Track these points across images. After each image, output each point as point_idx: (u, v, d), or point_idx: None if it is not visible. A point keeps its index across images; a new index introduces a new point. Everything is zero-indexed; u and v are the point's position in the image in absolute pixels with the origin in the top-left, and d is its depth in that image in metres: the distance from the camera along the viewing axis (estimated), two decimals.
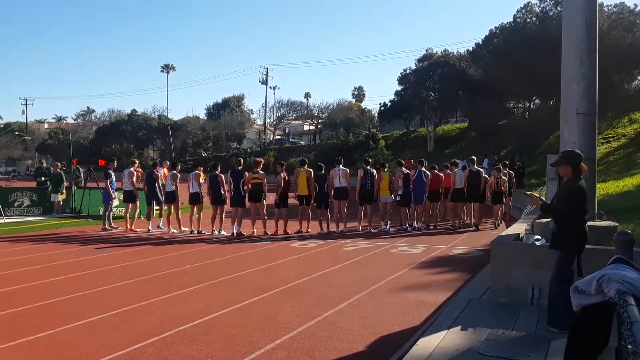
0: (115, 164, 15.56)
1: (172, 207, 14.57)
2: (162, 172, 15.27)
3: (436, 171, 15.06)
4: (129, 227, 14.53)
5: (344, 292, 7.40)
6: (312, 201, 14.03)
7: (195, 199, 14.18)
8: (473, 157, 15.30)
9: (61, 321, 6.00)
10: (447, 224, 15.27)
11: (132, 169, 14.79)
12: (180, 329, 5.75)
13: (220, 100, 72.94)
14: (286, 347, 5.20)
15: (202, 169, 14.86)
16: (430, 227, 14.68)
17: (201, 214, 14.20)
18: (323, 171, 14.09)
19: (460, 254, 10.86)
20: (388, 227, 14.33)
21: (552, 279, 5.45)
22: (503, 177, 14.84)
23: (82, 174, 19.18)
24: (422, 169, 14.55)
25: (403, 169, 14.68)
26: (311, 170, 14.17)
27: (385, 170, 14.56)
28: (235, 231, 13.45)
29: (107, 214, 14.87)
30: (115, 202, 15.84)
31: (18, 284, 7.96)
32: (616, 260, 3.29)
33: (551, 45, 19.69)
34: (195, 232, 13.95)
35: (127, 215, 14.74)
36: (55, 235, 13.74)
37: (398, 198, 14.49)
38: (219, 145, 66.40)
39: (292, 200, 14.34)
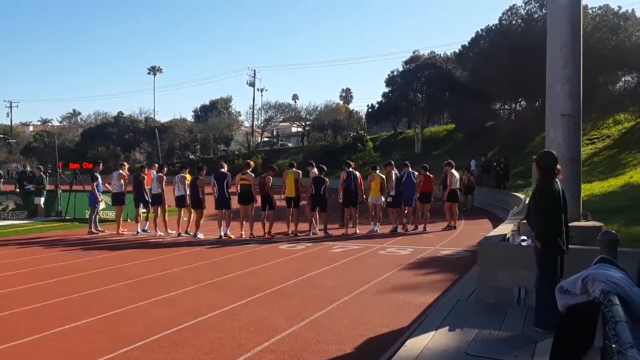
0: (101, 166, 15.44)
1: (159, 209, 14.50)
2: (153, 174, 15.19)
3: (428, 172, 14.89)
4: (119, 230, 14.47)
5: (332, 294, 7.40)
6: (300, 203, 14.00)
7: (181, 201, 14.13)
8: (407, 162, 15.32)
9: (47, 325, 5.94)
10: (433, 225, 15.30)
11: (120, 171, 14.71)
12: (167, 332, 5.71)
13: (207, 103, 72.64)
14: (274, 350, 5.19)
15: (187, 171, 14.74)
16: (420, 229, 14.59)
17: (192, 216, 14.18)
18: (323, 174, 14.08)
19: (448, 254, 10.91)
20: (377, 228, 14.27)
21: (536, 279, 5.51)
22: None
23: (45, 180, 19.05)
24: (409, 170, 14.49)
25: (396, 171, 14.55)
26: (300, 171, 14.11)
27: (377, 171, 14.44)
28: (222, 234, 13.38)
29: (93, 217, 14.76)
30: (102, 205, 15.72)
31: (3, 288, 7.86)
32: (601, 260, 3.33)
33: (536, 47, 19.81)
34: (183, 234, 13.89)
35: (121, 218, 14.72)
36: (41, 239, 13.60)
37: (390, 199, 14.34)
38: (207, 147, 66.19)
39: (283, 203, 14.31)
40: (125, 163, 15.81)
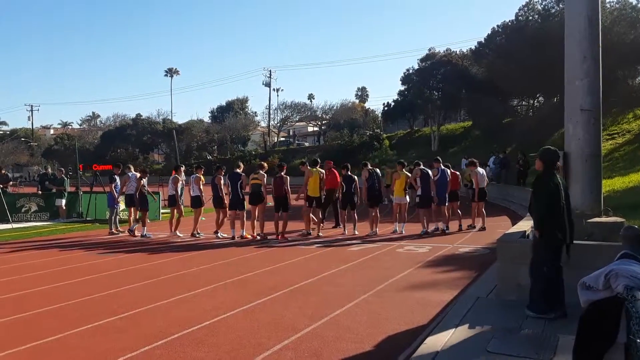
0: (120, 169, 15.55)
1: (175, 211, 14.44)
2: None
3: (451, 169, 14.45)
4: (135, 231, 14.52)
5: (350, 292, 7.40)
6: (322, 202, 13.77)
7: (196, 202, 14.15)
8: (438, 157, 14.79)
9: (69, 325, 6.03)
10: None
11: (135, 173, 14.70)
12: (187, 331, 5.76)
13: (224, 103, 73.10)
14: (294, 348, 5.21)
15: (202, 172, 14.75)
16: (440, 227, 13.90)
17: (198, 216, 14.22)
18: (349, 172, 13.88)
19: (467, 252, 10.84)
20: (403, 229, 13.70)
21: (532, 267, 5.75)
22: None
23: (66, 182, 19.31)
24: (442, 167, 13.83)
25: (421, 167, 13.89)
26: (323, 171, 13.80)
27: (403, 170, 13.81)
28: (234, 234, 13.27)
29: (112, 218, 14.92)
30: (122, 206, 15.86)
31: (26, 289, 8.00)
32: (623, 256, 3.29)
33: (554, 42, 19.61)
34: (197, 234, 13.90)
35: (131, 218, 14.75)
36: (62, 240, 13.80)
37: (417, 200, 13.72)
38: (224, 148, 66.56)
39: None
40: (130, 166, 15.58)
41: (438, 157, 14.72)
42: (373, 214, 13.81)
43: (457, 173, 14.69)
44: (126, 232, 14.51)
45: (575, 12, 7.31)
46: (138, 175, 14.55)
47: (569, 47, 7.35)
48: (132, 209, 14.79)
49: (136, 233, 14.30)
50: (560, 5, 30.43)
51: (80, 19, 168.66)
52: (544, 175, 5.73)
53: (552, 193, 5.58)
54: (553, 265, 5.59)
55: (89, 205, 18.51)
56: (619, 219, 7.09)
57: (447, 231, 13.71)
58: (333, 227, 15.06)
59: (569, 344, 4.09)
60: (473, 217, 14.56)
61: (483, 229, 14.00)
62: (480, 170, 14.57)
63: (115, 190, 14.93)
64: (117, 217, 15.24)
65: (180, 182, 14.68)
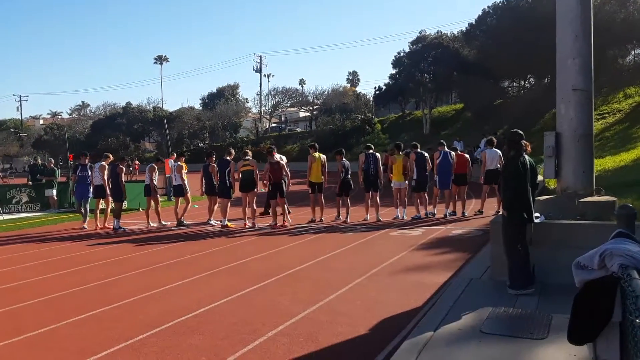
0: (87, 159, 14.55)
1: (152, 200, 13.93)
2: (171, 163, 14.73)
3: (459, 152, 14.07)
4: (98, 224, 13.74)
5: (344, 277, 7.40)
6: (324, 187, 13.31)
7: (179, 191, 13.88)
8: (442, 141, 14.34)
9: (63, 315, 5.99)
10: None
11: (103, 163, 13.82)
12: (182, 319, 5.74)
13: (214, 90, 72.46)
14: (288, 333, 5.20)
15: (183, 159, 14.37)
16: (458, 214, 13.46)
17: (188, 205, 14.07)
18: (344, 157, 13.49)
19: (460, 234, 10.87)
20: (404, 214, 13.24)
21: (504, 246, 5.99)
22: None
23: (56, 172, 19.09)
24: (445, 149, 13.41)
25: (418, 150, 13.46)
26: (324, 156, 13.42)
27: (400, 153, 13.40)
28: (221, 223, 13.02)
29: (83, 209, 14.20)
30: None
31: (19, 280, 7.95)
32: (618, 235, 3.28)
33: (544, 22, 19.54)
34: (186, 222, 13.67)
35: (97, 211, 13.97)
36: (54, 231, 13.71)
37: (413, 184, 13.36)
38: (216, 135, 66.21)
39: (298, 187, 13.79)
40: (109, 155, 14.56)
41: (442, 141, 14.19)
42: (369, 199, 13.40)
43: (466, 156, 14.22)
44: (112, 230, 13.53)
45: None
46: (105, 164, 13.77)
47: (560, 27, 7.30)
48: (101, 201, 14.01)
49: (107, 225, 13.75)
50: None
51: (68, 8, 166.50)
52: (512, 157, 6.04)
53: (516, 174, 5.90)
54: (524, 243, 5.84)
55: None
56: (611, 198, 7.11)
57: (449, 216, 13.25)
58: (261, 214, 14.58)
59: (561, 323, 4.10)
60: (482, 201, 13.89)
61: (480, 212, 13.68)
62: (495, 151, 13.50)
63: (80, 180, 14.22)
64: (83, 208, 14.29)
65: (156, 172, 14.15)
